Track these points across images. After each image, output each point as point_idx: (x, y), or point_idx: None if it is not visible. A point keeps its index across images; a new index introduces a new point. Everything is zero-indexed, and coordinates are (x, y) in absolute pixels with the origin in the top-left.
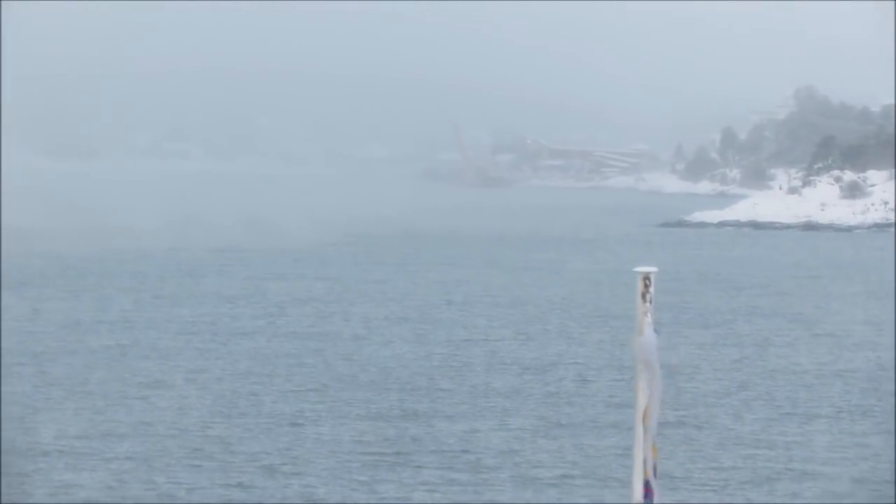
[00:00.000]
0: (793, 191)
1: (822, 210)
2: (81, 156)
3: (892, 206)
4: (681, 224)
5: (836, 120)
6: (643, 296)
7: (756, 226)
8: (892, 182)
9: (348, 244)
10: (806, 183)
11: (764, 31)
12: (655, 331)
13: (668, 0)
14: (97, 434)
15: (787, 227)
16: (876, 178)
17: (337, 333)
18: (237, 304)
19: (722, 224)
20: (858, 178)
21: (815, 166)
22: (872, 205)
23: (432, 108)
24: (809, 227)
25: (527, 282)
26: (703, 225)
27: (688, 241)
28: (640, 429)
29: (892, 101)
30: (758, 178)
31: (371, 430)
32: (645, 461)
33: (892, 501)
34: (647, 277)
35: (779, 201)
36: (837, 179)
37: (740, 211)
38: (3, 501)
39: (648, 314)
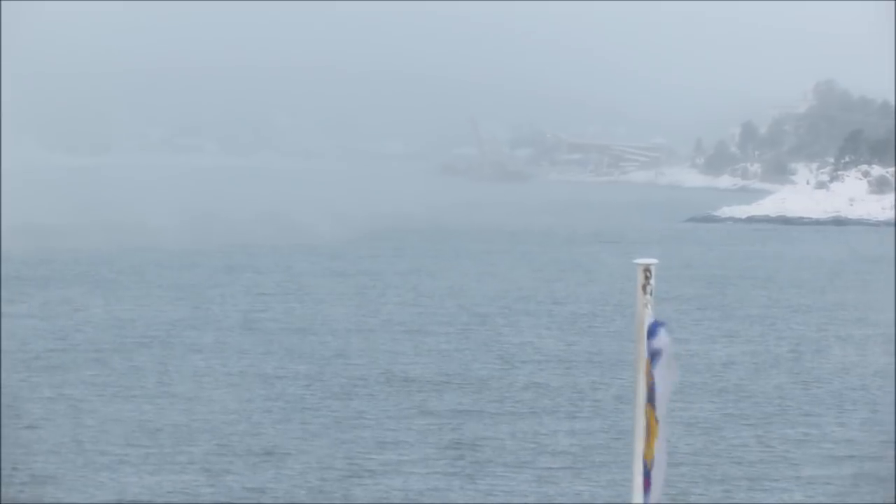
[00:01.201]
0: (820, 185)
1: (851, 205)
2: (95, 151)
3: None
4: (708, 219)
5: (856, 114)
6: (643, 287)
7: (785, 221)
8: None
9: (373, 240)
10: (833, 178)
11: (781, 26)
12: (657, 323)
13: None
14: (155, 438)
15: (817, 222)
16: None
17: (381, 330)
18: (275, 300)
19: (751, 219)
20: (887, 172)
21: (843, 160)
22: None
23: (447, 103)
24: (839, 222)
25: (563, 278)
26: (731, 220)
27: (719, 237)
28: (639, 422)
29: None
30: (779, 172)
31: (435, 431)
32: (645, 454)
33: (893, 502)
34: (647, 269)
35: (807, 196)
36: (865, 174)
37: (768, 206)
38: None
39: (649, 306)
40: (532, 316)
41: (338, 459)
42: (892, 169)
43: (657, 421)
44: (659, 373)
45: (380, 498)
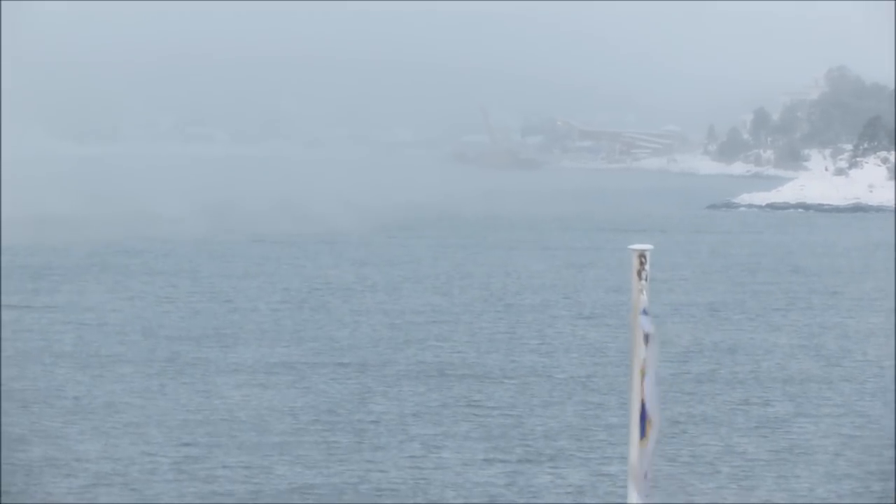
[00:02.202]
0: (839, 172)
1: (871, 192)
2: (104, 139)
3: None
4: (729, 206)
5: (869, 100)
6: (639, 273)
7: (805, 208)
8: None
9: (392, 231)
10: (852, 164)
11: (789, 13)
12: (648, 309)
13: None
14: (210, 436)
15: (837, 209)
16: None
17: (418, 323)
18: (305, 293)
19: (770, 206)
20: None
21: (862, 147)
22: None
23: (456, 90)
24: (859, 208)
25: (592, 266)
26: (751, 207)
27: (740, 224)
28: (635, 412)
29: None
30: (792, 158)
31: (489, 425)
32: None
33: (893, 501)
34: (642, 255)
35: (826, 183)
36: (885, 161)
37: (788, 193)
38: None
39: (644, 291)
40: (566, 307)
41: (399, 457)
42: None
43: (649, 417)
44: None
45: (441, 497)
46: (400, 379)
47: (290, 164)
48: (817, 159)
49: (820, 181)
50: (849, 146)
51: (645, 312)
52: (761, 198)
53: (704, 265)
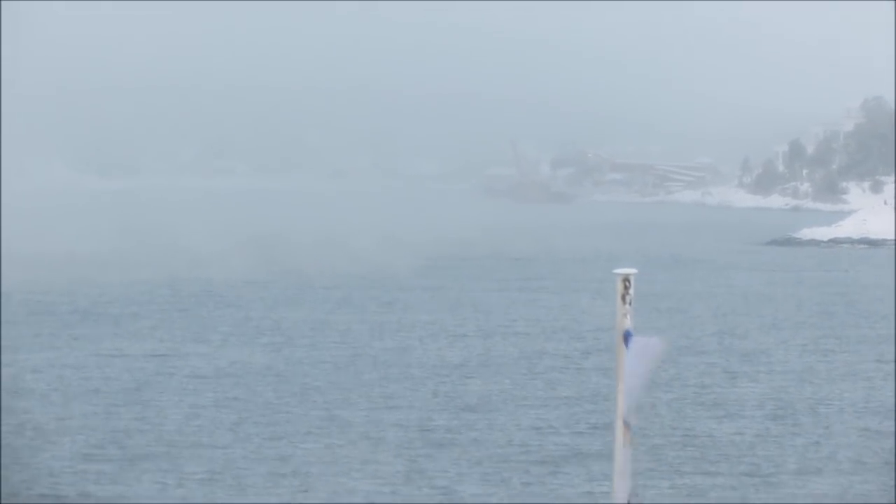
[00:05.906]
0: None
1: None
2: (126, 172)
3: None
4: (790, 242)
5: None
6: (623, 297)
7: (869, 243)
8: None
9: (444, 269)
10: None
11: (819, 43)
12: (633, 332)
13: (727, 5)
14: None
15: None
16: None
17: (521, 371)
18: (397, 338)
19: (834, 241)
20: None
21: None
22: None
23: (479, 121)
24: None
25: (669, 308)
26: (813, 243)
27: (811, 262)
28: (620, 430)
29: None
30: (830, 191)
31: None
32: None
33: (893, 501)
34: (626, 279)
35: (888, 217)
36: None
37: (850, 227)
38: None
39: (628, 316)
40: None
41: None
42: None
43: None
44: (629, 378)
45: None
46: (524, 430)
47: (316, 197)
48: (856, 192)
49: (883, 215)
50: (888, 178)
51: (629, 333)
52: (823, 233)
53: (796, 302)
